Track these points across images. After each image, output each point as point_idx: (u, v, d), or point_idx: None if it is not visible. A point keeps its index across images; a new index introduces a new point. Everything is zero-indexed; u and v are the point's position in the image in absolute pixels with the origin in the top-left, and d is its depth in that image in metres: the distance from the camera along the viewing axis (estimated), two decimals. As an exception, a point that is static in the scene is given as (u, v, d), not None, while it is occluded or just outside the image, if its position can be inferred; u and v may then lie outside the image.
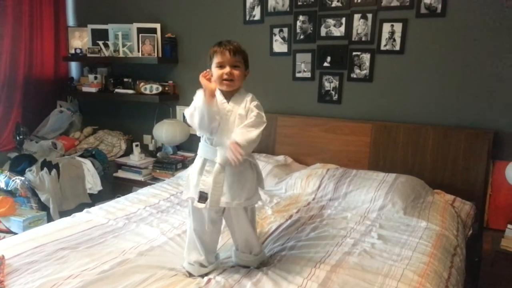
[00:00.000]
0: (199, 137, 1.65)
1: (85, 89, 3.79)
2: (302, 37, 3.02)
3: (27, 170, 3.03)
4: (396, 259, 1.73)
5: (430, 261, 1.72)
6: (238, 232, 1.71)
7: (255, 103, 1.61)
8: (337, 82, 2.96)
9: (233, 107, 1.60)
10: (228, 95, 1.62)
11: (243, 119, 1.57)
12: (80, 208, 2.63)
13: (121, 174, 3.51)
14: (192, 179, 1.62)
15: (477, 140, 2.52)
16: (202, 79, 1.52)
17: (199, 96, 1.52)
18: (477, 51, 2.53)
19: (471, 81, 2.57)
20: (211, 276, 1.62)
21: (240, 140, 1.48)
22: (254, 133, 1.52)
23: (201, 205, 1.56)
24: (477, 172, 2.54)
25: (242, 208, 1.65)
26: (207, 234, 1.66)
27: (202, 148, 1.62)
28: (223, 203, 1.57)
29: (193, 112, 1.55)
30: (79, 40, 3.84)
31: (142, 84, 3.50)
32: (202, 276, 1.63)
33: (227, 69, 1.57)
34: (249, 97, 1.62)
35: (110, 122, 3.95)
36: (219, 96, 1.60)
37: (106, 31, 3.64)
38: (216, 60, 1.59)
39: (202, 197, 1.56)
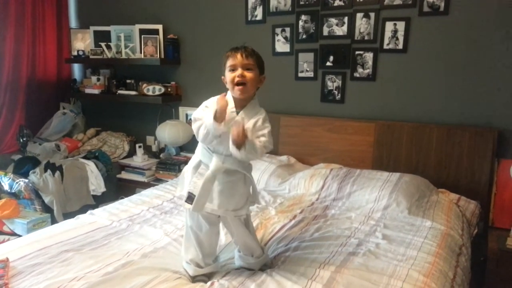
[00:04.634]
0: None
1: (88, 90, 3.80)
2: (304, 36, 3.01)
3: (30, 172, 3.04)
4: (401, 259, 1.72)
5: (435, 261, 1.71)
6: (236, 236, 1.70)
7: (268, 127, 1.57)
8: (340, 82, 2.95)
9: (242, 119, 1.54)
10: (239, 104, 1.57)
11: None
12: (83, 209, 2.63)
13: (124, 175, 3.51)
14: (187, 177, 1.63)
15: (482, 139, 2.50)
16: (219, 101, 1.46)
17: (209, 115, 1.47)
18: (480, 49, 2.51)
19: (475, 79, 2.56)
20: (214, 279, 1.61)
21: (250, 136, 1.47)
22: (259, 149, 1.51)
23: (188, 206, 1.56)
24: (481, 170, 2.53)
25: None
26: (203, 234, 1.64)
27: (200, 150, 1.62)
28: (209, 209, 1.56)
29: (200, 125, 1.53)
30: (82, 42, 3.85)
31: (144, 85, 3.50)
32: (205, 281, 1.61)
33: (238, 71, 1.53)
34: (262, 115, 1.57)
35: (113, 124, 3.95)
36: (230, 103, 1.55)
37: (109, 32, 3.65)
38: (228, 63, 1.56)
39: (190, 198, 1.55)
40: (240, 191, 1.61)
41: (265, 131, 1.56)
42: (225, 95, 1.55)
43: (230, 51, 1.58)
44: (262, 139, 1.53)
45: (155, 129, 3.52)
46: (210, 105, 1.57)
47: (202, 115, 1.54)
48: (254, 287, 1.53)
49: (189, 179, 1.60)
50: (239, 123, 1.47)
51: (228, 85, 1.58)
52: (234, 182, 1.59)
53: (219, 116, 1.45)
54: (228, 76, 1.56)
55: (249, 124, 1.53)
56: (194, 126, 1.57)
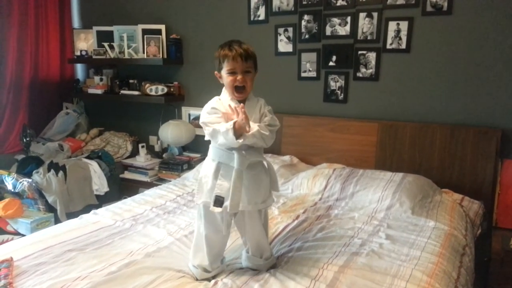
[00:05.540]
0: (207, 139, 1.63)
1: (91, 90, 3.80)
2: (307, 36, 3.01)
3: (34, 172, 3.04)
4: (404, 259, 1.71)
5: (439, 261, 1.71)
6: (250, 235, 1.68)
7: (268, 107, 1.65)
8: (343, 82, 2.95)
9: (247, 112, 1.56)
10: (240, 100, 1.61)
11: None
12: (87, 209, 2.64)
13: (127, 175, 3.51)
14: (206, 183, 1.59)
15: (485, 139, 2.49)
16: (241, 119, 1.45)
17: (228, 131, 1.46)
18: (483, 48, 2.51)
19: (478, 79, 2.55)
20: (218, 278, 1.62)
21: (256, 126, 1.50)
22: (268, 131, 1.56)
23: (218, 210, 1.54)
24: (485, 170, 2.52)
25: (257, 211, 1.64)
26: (218, 238, 1.64)
27: (216, 152, 1.59)
28: (241, 206, 1.55)
29: (215, 134, 1.52)
30: (85, 42, 3.86)
31: (147, 85, 3.50)
32: (209, 280, 1.61)
33: (239, 77, 1.54)
34: (262, 102, 1.65)
35: (116, 124, 3.96)
36: (231, 101, 1.59)
37: (111, 32, 3.65)
38: (227, 66, 1.56)
39: (218, 201, 1.53)
40: (264, 182, 1.64)
41: (266, 111, 1.63)
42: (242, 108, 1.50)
43: (228, 50, 1.56)
44: (265, 118, 1.60)
45: (158, 129, 3.53)
46: (218, 106, 1.58)
47: (212, 121, 1.55)
48: (258, 286, 1.53)
49: (209, 184, 1.57)
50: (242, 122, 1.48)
51: (227, 88, 1.60)
52: (257, 174, 1.61)
53: (238, 131, 1.47)
54: (227, 79, 1.57)
55: (255, 115, 1.60)
56: (207, 132, 1.56)
